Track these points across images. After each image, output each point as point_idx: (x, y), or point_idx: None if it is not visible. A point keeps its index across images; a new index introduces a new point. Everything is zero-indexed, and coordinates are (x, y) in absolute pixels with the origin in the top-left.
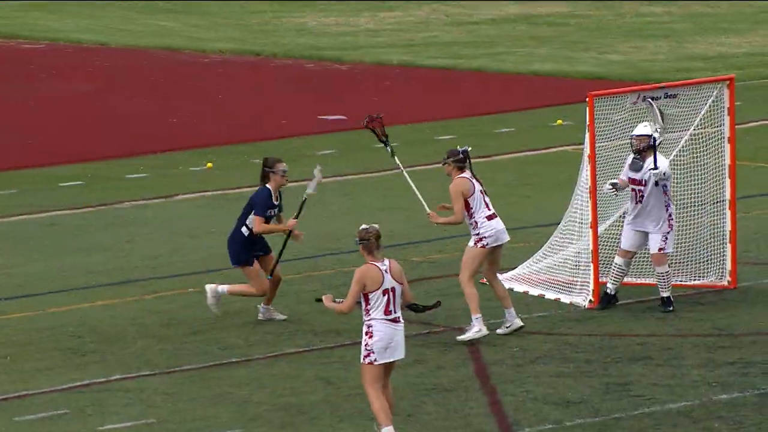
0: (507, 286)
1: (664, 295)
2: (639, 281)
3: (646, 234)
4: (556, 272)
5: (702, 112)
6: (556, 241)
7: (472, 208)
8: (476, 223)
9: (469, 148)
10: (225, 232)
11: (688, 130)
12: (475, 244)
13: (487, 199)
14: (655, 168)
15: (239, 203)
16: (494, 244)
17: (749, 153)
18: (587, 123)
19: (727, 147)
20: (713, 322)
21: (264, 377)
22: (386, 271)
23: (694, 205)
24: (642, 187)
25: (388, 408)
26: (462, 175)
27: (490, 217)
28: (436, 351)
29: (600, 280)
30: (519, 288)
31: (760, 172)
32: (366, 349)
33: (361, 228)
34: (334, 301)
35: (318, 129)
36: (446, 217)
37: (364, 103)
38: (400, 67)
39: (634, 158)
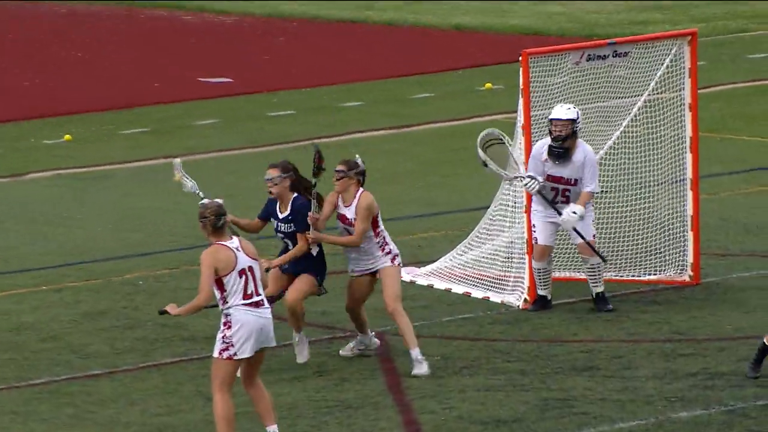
0: (426, 282)
1: (599, 290)
2: (585, 276)
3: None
4: (485, 266)
5: (658, 74)
6: (485, 228)
7: (379, 227)
8: (385, 240)
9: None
10: (87, 218)
11: (642, 95)
12: (391, 262)
13: None
14: (559, 214)
15: (103, 182)
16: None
17: (714, 123)
18: (521, 87)
19: (688, 116)
20: (672, 325)
21: (134, 392)
22: (237, 249)
23: (650, 186)
24: (569, 186)
25: (233, 417)
26: (363, 189)
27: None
28: (340, 360)
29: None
30: (440, 285)
31: (726, 145)
32: (224, 341)
33: (200, 204)
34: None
35: (198, 94)
36: (341, 237)
37: (253, 63)
38: (297, 19)
39: (552, 148)
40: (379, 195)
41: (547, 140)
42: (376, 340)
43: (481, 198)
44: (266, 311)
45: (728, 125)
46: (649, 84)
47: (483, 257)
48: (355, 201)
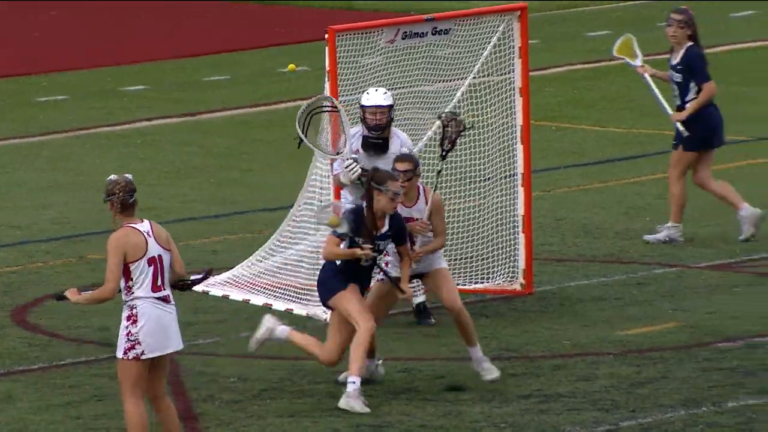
0: (221, 292)
1: (419, 300)
2: None
3: None
4: (288, 274)
5: (484, 55)
6: (288, 231)
7: None
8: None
9: None
10: None
11: (466, 78)
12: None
13: None
14: None
15: None
16: None
17: (549, 110)
18: (327, 69)
19: (519, 101)
20: (501, 341)
21: None
22: (148, 234)
23: (475, 182)
24: None
25: (148, 425)
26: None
27: None
28: None
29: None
30: (237, 296)
31: (564, 135)
32: (129, 339)
33: (108, 180)
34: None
35: None
36: (428, 244)
37: (20, 42)
38: None
39: (369, 139)
40: (168, 192)
41: (359, 129)
42: (381, 370)
43: (284, 196)
44: (173, 308)
45: (565, 113)
46: (474, 66)
47: (286, 264)
48: (422, 199)
